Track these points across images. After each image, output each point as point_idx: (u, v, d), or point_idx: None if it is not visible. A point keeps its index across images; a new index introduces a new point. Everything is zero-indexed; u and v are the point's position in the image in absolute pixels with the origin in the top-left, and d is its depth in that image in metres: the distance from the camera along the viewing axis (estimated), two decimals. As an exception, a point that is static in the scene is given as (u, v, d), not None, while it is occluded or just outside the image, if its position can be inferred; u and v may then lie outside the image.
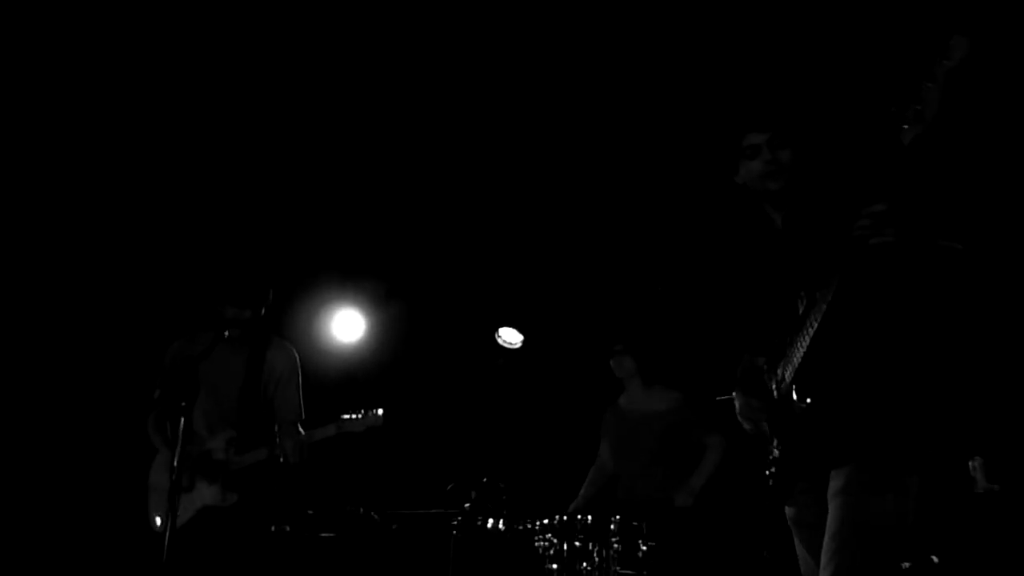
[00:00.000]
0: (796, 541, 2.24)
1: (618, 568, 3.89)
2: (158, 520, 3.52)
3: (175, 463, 3.09)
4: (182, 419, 3.13)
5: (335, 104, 4.88)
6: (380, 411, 3.64)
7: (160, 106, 4.72)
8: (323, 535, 5.03)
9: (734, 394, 2.42)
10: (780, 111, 2.30)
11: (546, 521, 4.10)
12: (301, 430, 3.65)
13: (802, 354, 2.07)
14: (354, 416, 3.60)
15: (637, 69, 4.55)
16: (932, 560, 3.75)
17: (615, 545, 3.93)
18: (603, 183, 5.23)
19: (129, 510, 3.73)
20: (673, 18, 4.23)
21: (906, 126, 1.83)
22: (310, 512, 5.05)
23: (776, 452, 2.20)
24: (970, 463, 3.91)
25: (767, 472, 2.24)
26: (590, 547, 3.96)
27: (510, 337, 5.94)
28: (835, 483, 1.99)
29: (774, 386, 2.22)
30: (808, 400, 2.06)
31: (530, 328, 5.95)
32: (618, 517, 3.97)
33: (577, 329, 5.81)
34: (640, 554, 3.91)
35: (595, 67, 4.56)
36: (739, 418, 2.38)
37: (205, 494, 3.49)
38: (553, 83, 4.67)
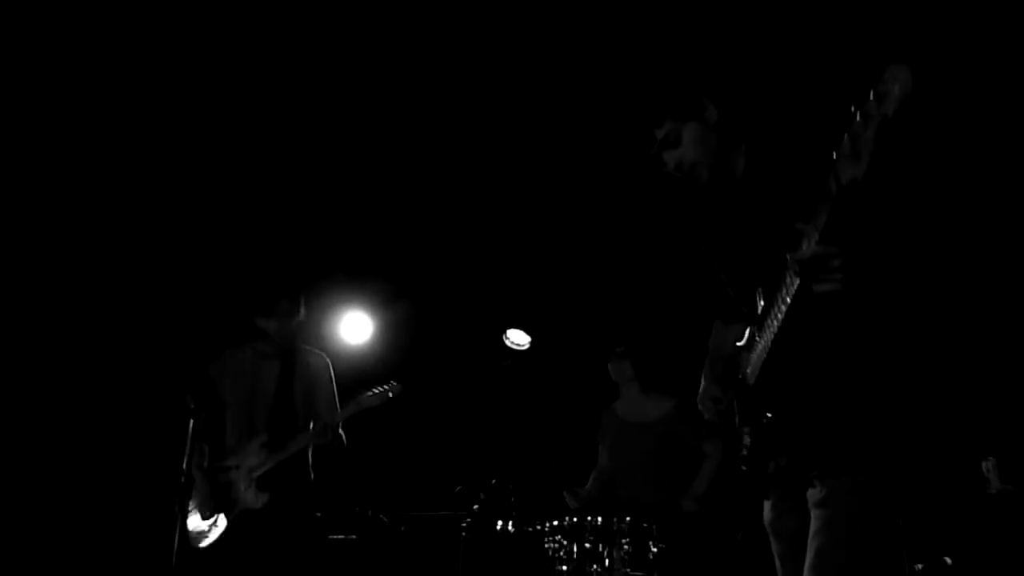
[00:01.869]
0: (774, 550, 2.08)
1: (628, 570, 3.86)
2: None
3: (184, 466, 3.18)
4: (191, 422, 3.23)
5: (343, 107, 4.88)
6: (394, 382, 3.75)
7: (165, 113, 4.72)
8: (332, 537, 5.03)
9: (703, 375, 2.25)
10: (686, 98, 2.06)
11: (556, 522, 4.08)
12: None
13: (763, 357, 1.90)
14: (373, 392, 3.70)
15: (643, 74, 4.52)
16: (945, 561, 3.73)
17: (625, 547, 3.90)
18: (612, 184, 5.21)
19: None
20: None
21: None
22: (319, 514, 5.05)
23: (747, 441, 2.04)
24: (984, 464, 3.89)
25: (741, 465, 2.08)
26: (600, 549, 3.94)
27: (518, 338, 5.93)
28: (816, 492, 1.85)
29: (741, 376, 2.01)
30: (768, 415, 1.90)
31: (538, 329, 5.93)
32: (628, 519, 3.95)
33: (585, 330, 5.79)
34: (650, 556, 3.89)
35: (601, 70, 4.54)
36: (698, 402, 2.20)
37: (239, 503, 3.57)
38: (561, 86, 4.66)
